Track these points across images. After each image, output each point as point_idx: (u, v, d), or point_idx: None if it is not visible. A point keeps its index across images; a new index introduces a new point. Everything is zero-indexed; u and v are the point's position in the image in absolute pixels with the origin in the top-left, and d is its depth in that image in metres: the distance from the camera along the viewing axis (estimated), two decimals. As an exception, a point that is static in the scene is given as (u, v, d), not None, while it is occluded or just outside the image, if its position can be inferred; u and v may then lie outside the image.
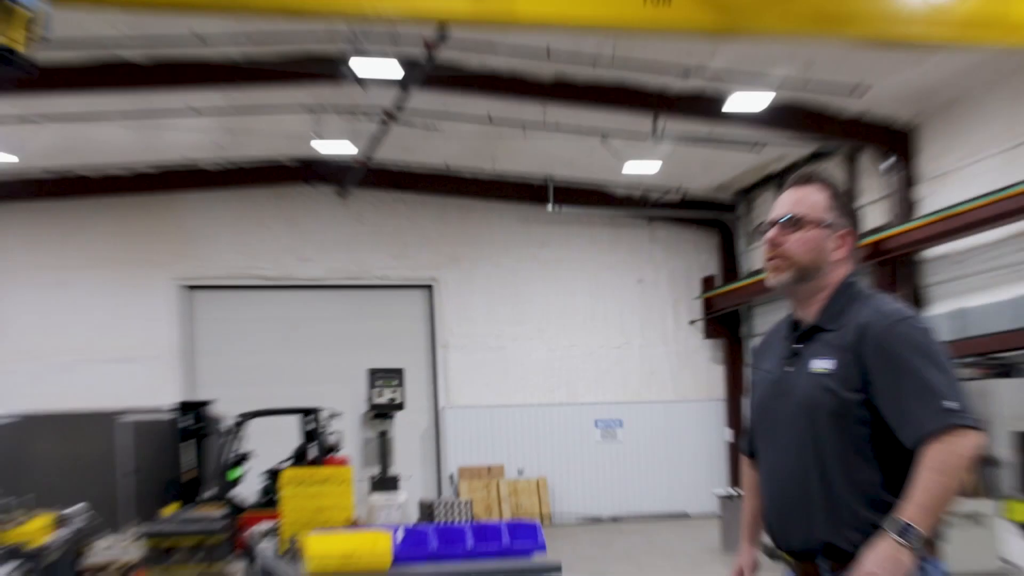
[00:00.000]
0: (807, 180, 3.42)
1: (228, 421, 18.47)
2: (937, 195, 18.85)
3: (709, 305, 25.63)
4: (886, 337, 3.10)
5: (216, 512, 14.48)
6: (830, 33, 11.28)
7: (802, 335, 3.30)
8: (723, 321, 25.60)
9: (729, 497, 17.52)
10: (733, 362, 25.60)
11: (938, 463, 2.89)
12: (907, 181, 19.72)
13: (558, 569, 4.34)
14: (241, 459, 17.94)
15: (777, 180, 23.88)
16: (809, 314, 3.32)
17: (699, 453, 25.16)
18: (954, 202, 17.69)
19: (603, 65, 17.17)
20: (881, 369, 3.06)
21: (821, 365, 3.15)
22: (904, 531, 2.87)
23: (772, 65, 17.28)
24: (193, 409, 17.79)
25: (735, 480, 24.25)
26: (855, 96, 18.53)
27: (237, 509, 17.48)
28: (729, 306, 25.10)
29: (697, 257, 26.08)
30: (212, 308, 23.48)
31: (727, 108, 18.51)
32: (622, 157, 21.47)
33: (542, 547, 4.71)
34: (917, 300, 19.26)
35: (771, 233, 3.31)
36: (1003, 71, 17.10)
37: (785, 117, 19.28)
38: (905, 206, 19.56)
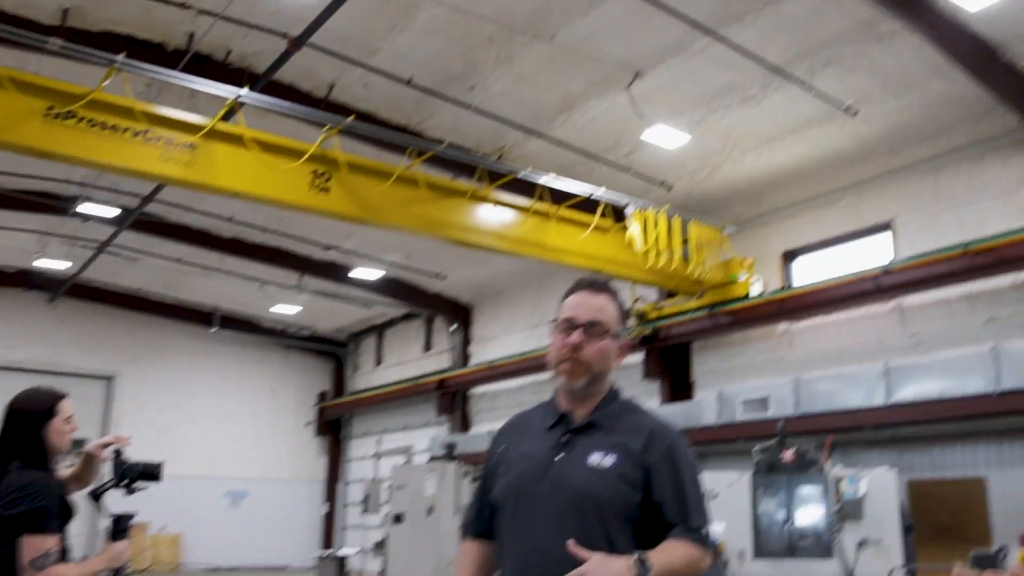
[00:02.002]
0: (602, 288, 2.56)
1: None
2: (484, 352, 19.44)
3: (321, 412, 24.81)
4: (673, 448, 2.45)
5: None
6: (433, 232, 11.35)
7: (575, 429, 2.47)
8: (330, 425, 24.82)
9: (324, 557, 16.49)
10: (333, 455, 24.77)
11: (685, 556, 2.34)
12: (465, 340, 20.22)
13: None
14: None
15: (378, 330, 23.82)
16: (581, 411, 2.50)
17: (301, 521, 23.92)
18: (494, 358, 18.29)
19: (270, 232, 16.59)
20: (666, 474, 2.40)
21: (601, 460, 2.38)
22: (642, 564, 2.22)
23: (386, 251, 17.38)
24: None
25: (327, 543, 23.23)
26: (438, 279, 18.94)
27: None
28: (335, 415, 24.43)
29: (317, 377, 25.32)
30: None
31: (351, 275, 18.34)
32: (273, 300, 20.70)
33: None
34: (466, 424, 19.56)
35: (575, 337, 2.44)
36: (533, 275, 18.12)
37: (390, 287, 19.35)
38: (463, 357, 20.00)
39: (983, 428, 10.20)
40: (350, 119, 10.19)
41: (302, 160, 9.77)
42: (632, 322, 14.54)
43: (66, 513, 3.44)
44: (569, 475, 2.38)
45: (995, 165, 11.30)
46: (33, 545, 3.15)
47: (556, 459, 2.43)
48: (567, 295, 2.60)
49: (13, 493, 3.21)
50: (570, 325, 2.50)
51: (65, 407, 3.53)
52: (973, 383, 9.98)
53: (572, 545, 2.21)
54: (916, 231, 11.98)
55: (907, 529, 8.09)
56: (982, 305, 11.12)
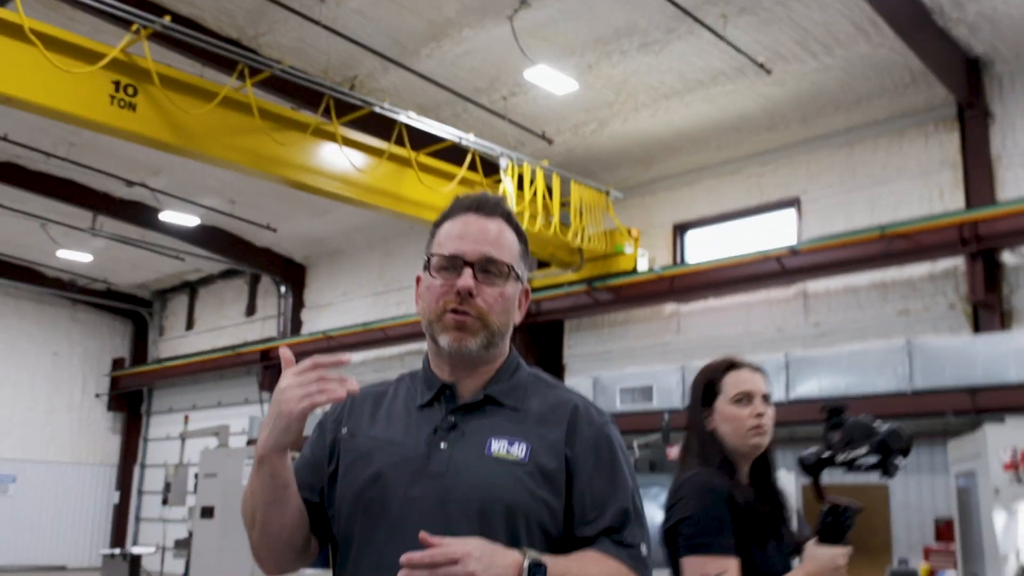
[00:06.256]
0: (496, 209, 1.99)
1: None
2: (319, 320, 18.41)
3: (116, 383, 22.96)
4: (606, 436, 1.92)
5: None
6: (264, 170, 10.33)
7: (465, 407, 1.91)
8: (126, 398, 23.01)
9: (112, 556, 15.11)
10: (129, 434, 22.99)
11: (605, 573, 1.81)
12: (297, 305, 19.10)
13: None
14: None
15: (191, 287, 22.23)
16: (470, 384, 1.94)
17: (85, 512, 22.07)
18: (331, 327, 17.29)
19: (56, 160, 14.87)
20: (596, 471, 1.88)
21: (507, 449, 1.84)
22: (537, 569, 1.72)
23: (204, 193, 16.01)
24: None
25: (118, 540, 21.58)
26: (267, 231, 17.74)
27: None
28: (134, 386, 22.64)
29: (112, 340, 23.41)
30: None
31: (160, 219, 16.81)
32: (58, 244, 18.77)
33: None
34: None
35: (466, 279, 1.89)
36: (381, 233, 17.18)
37: (209, 237, 17.94)
38: (293, 325, 18.87)
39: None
40: (165, 19, 8.95)
41: (101, 64, 8.52)
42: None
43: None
44: (462, 471, 1.84)
45: (917, 142, 11.23)
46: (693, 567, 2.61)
47: (439, 448, 1.87)
48: (442, 219, 2.02)
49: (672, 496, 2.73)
50: (457, 263, 1.92)
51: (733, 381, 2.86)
52: (883, 381, 10.00)
53: (426, 536, 1.68)
54: (825, 210, 11.88)
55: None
56: (895, 295, 11.09)
